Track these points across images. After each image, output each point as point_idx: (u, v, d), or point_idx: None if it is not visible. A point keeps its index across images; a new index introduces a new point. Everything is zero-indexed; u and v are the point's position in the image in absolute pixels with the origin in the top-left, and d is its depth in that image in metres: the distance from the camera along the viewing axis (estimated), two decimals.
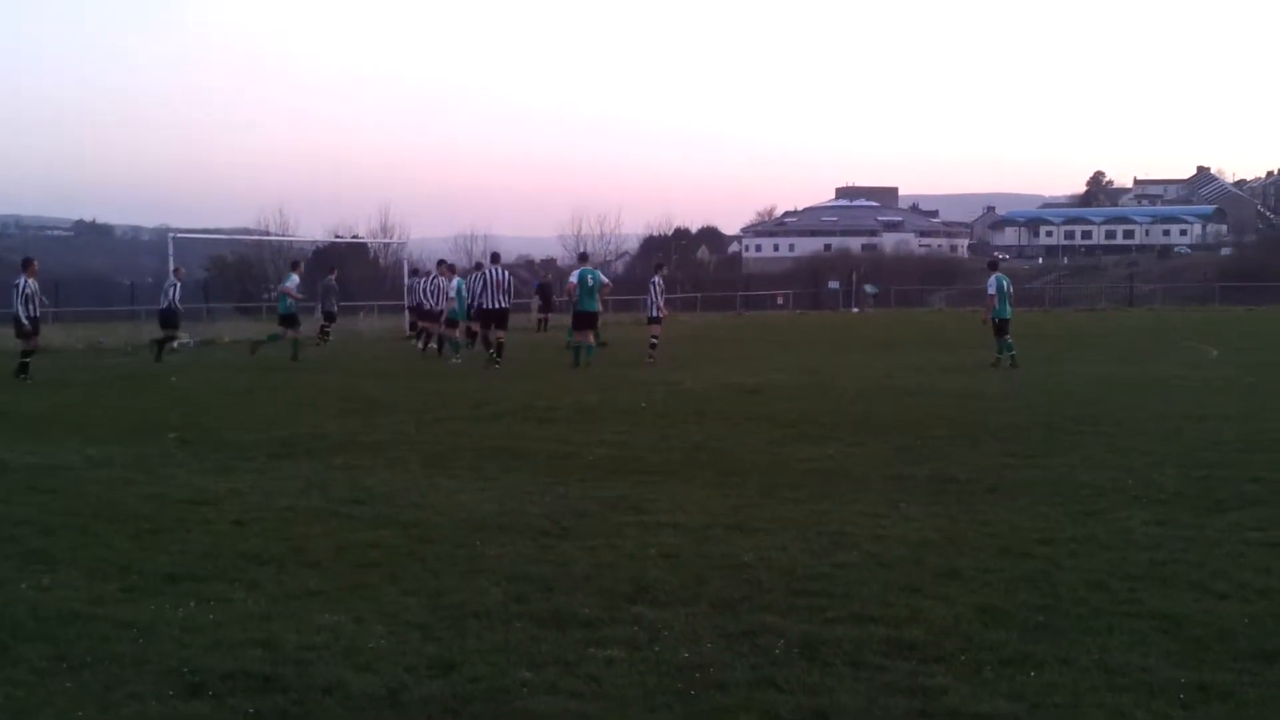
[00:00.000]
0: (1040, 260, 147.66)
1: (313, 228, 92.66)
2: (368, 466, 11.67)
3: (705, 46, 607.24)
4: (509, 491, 10.24)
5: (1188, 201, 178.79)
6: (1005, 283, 24.72)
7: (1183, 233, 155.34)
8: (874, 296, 69.69)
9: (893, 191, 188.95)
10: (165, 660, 5.81)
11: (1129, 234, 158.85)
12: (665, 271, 30.33)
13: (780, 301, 71.70)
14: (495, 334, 25.27)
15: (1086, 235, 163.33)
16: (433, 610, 6.62)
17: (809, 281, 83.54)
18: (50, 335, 28.90)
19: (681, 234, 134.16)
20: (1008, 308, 24.48)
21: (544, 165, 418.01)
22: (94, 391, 20.33)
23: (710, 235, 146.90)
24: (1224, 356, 27.21)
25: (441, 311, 28.39)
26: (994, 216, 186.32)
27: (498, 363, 24.52)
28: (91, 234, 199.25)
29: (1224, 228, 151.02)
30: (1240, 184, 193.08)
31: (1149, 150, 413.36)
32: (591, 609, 6.59)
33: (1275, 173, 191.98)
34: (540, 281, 46.87)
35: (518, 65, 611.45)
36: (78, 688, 5.49)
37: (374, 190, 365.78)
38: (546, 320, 41.31)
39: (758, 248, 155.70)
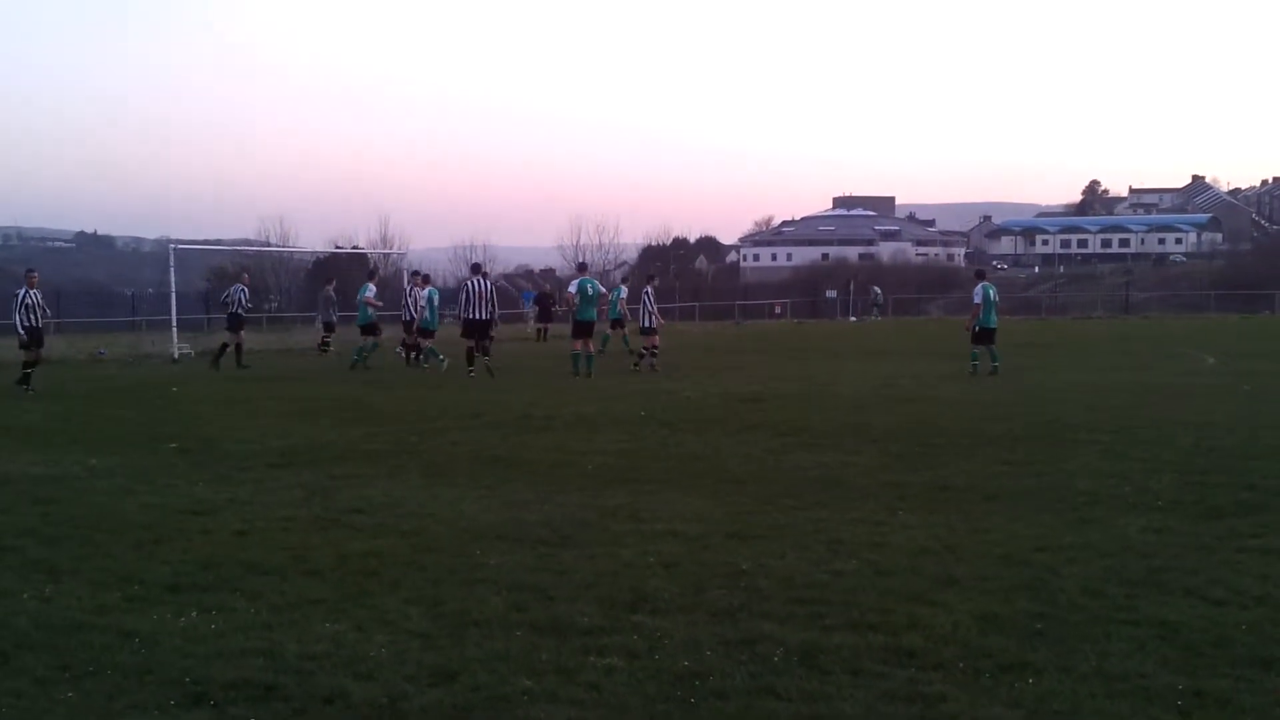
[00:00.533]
0: (1036, 269, 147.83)
1: (313, 239, 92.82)
2: (368, 476, 11.69)
3: (703, 57, 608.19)
4: (509, 500, 10.27)
5: (1183, 210, 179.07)
6: (991, 291, 24.82)
7: (1178, 241, 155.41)
8: (878, 307, 68.39)
9: (889, 201, 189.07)
10: (167, 669, 5.83)
11: (1124, 242, 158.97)
12: (657, 282, 30.36)
13: (778, 311, 71.58)
14: (484, 344, 25.33)
15: (1082, 244, 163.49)
16: (433, 619, 6.65)
17: (807, 291, 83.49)
18: (52, 346, 28.92)
19: (680, 243, 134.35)
20: (993, 317, 24.55)
21: (543, 176, 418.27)
22: (95, 402, 20.34)
23: (708, 245, 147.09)
24: (1220, 364, 27.24)
25: (413, 321, 28.59)
26: (990, 225, 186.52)
27: (487, 371, 24.71)
28: (93, 245, 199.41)
29: (1219, 236, 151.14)
30: (1235, 193, 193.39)
31: (1144, 159, 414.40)
32: (591, 617, 6.62)
33: (1270, 181, 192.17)
34: (539, 292, 46.94)
35: (517, 76, 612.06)
36: (80, 697, 5.51)
37: (374, 201, 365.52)
38: (546, 330, 41.31)
39: (755, 257, 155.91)
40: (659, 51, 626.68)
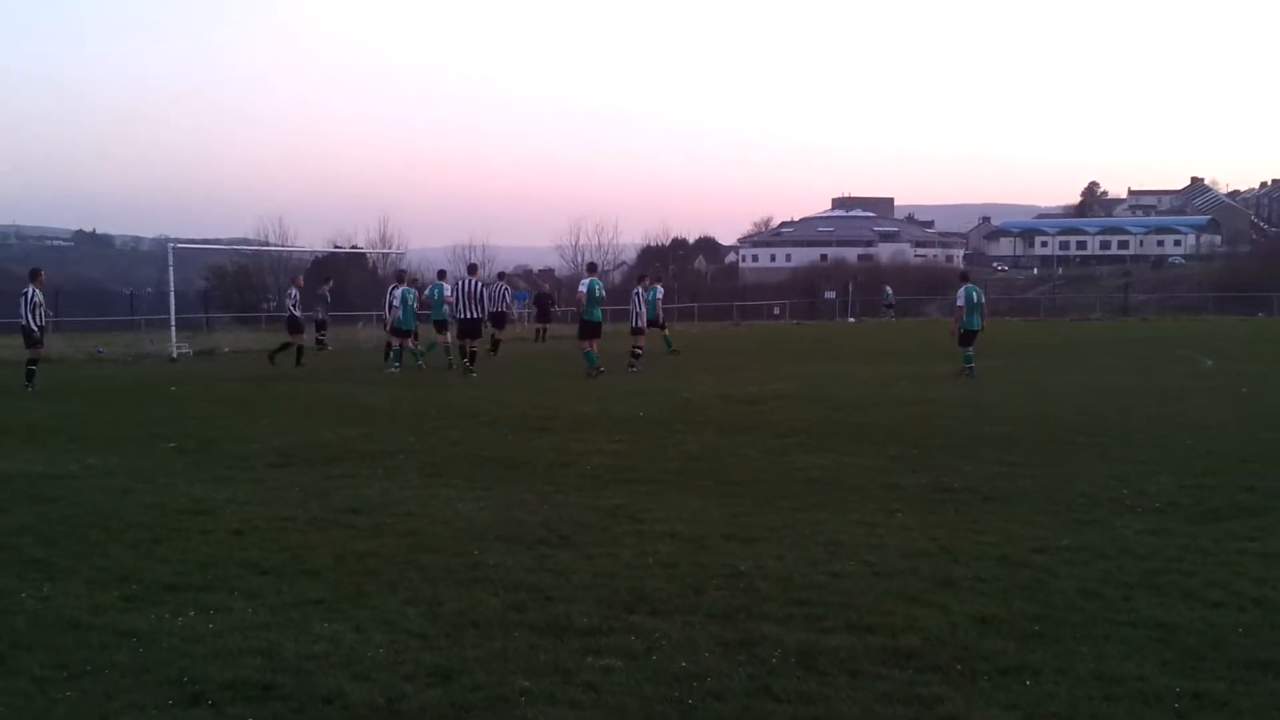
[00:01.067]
0: (1035, 270, 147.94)
1: (312, 238, 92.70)
2: (366, 476, 11.70)
3: (702, 58, 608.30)
4: (507, 501, 10.27)
5: (1182, 212, 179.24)
6: (975, 294, 24.91)
7: (1177, 243, 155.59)
8: (890, 307, 66.72)
9: (888, 202, 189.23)
10: (165, 669, 5.83)
11: (1123, 244, 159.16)
12: (647, 281, 30.66)
13: (777, 312, 71.57)
14: (469, 344, 25.83)
15: (1081, 245, 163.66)
16: (431, 619, 6.65)
17: (805, 292, 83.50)
18: (50, 345, 28.92)
19: (679, 244, 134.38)
20: (976, 319, 24.62)
21: (541, 176, 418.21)
22: (93, 401, 20.34)
23: (707, 245, 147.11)
24: (1218, 366, 27.26)
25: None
26: (989, 227, 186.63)
27: (472, 372, 25.14)
28: (91, 244, 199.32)
29: (1218, 238, 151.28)
30: (1234, 195, 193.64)
31: (1143, 161, 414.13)
32: (590, 618, 6.62)
33: (1269, 183, 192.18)
34: (538, 292, 46.87)
35: (516, 76, 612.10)
36: (78, 696, 5.52)
37: (373, 201, 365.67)
38: (544, 330, 41.31)
39: (754, 258, 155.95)
40: (658, 53, 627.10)
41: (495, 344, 31.82)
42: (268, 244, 74.98)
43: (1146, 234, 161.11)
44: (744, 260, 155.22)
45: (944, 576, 7.49)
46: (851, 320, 66.25)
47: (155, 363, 31.48)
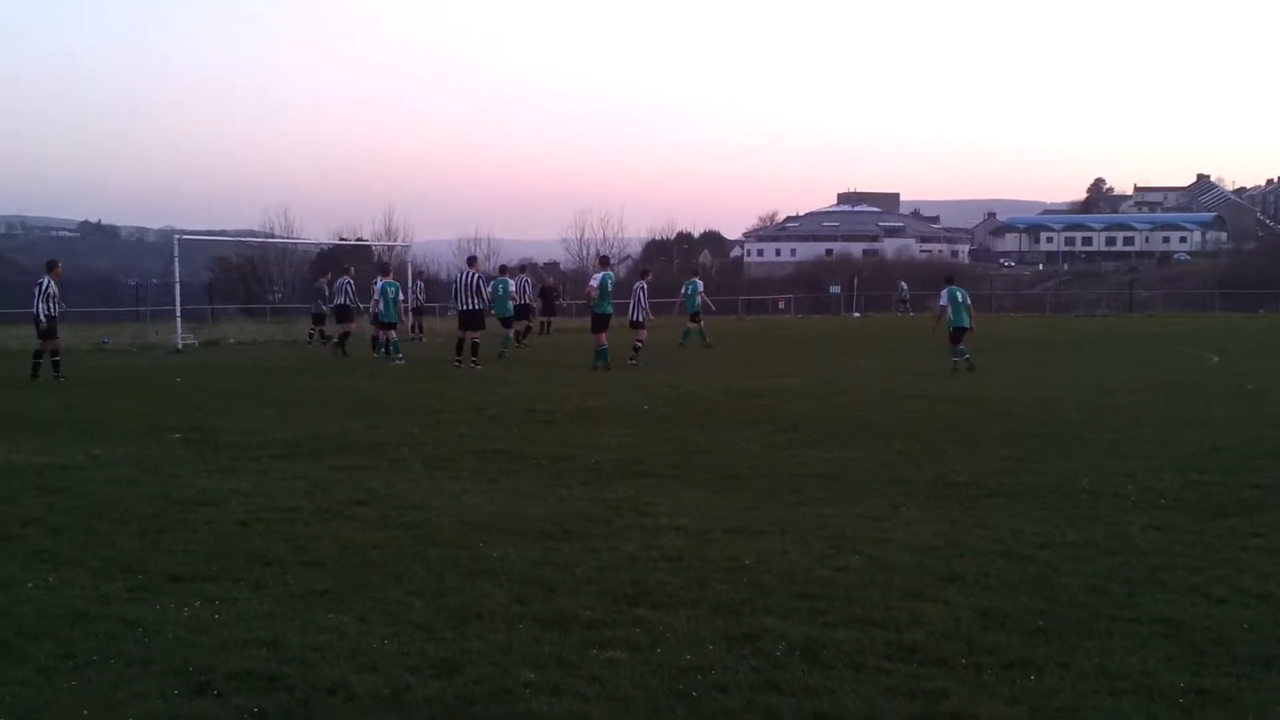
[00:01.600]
0: (1040, 266, 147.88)
1: (317, 230, 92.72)
2: (371, 468, 11.71)
3: (707, 52, 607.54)
4: (511, 493, 10.28)
5: (1188, 209, 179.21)
6: (959, 294, 25.41)
7: (1182, 240, 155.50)
8: (905, 303, 65.98)
9: (894, 197, 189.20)
10: (171, 659, 5.84)
11: (1129, 240, 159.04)
12: (650, 278, 30.88)
13: (782, 306, 71.61)
14: (470, 336, 25.90)
15: (1087, 242, 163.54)
16: (436, 611, 6.66)
17: (811, 286, 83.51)
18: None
19: (684, 238, 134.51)
20: (964, 317, 25.06)
21: (547, 169, 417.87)
22: (99, 392, 20.36)
23: (713, 239, 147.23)
24: (1223, 363, 27.24)
25: (353, 311, 31.24)
26: (995, 222, 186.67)
27: (467, 362, 25.29)
28: (97, 235, 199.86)
29: (1224, 235, 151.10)
30: (1240, 191, 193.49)
31: (1149, 157, 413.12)
32: (594, 611, 6.63)
33: (1275, 180, 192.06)
34: (542, 285, 46.79)
35: (522, 68, 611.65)
36: (84, 686, 5.53)
37: (379, 193, 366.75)
38: (549, 324, 41.28)
39: (760, 252, 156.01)
40: (664, 46, 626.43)
41: (520, 335, 32.82)
42: (273, 236, 75.10)
43: (1152, 230, 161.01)
44: (749, 254, 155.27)
45: (949, 571, 7.49)
46: (856, 315, 66.20)
47: (160, 354, 31.53)
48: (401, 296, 28.78)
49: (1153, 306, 74.14)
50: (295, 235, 76.27)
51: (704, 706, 5.28)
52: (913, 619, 6.44)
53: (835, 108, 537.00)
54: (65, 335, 25.62)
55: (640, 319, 27.19)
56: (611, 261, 34.33)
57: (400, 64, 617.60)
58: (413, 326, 37.04)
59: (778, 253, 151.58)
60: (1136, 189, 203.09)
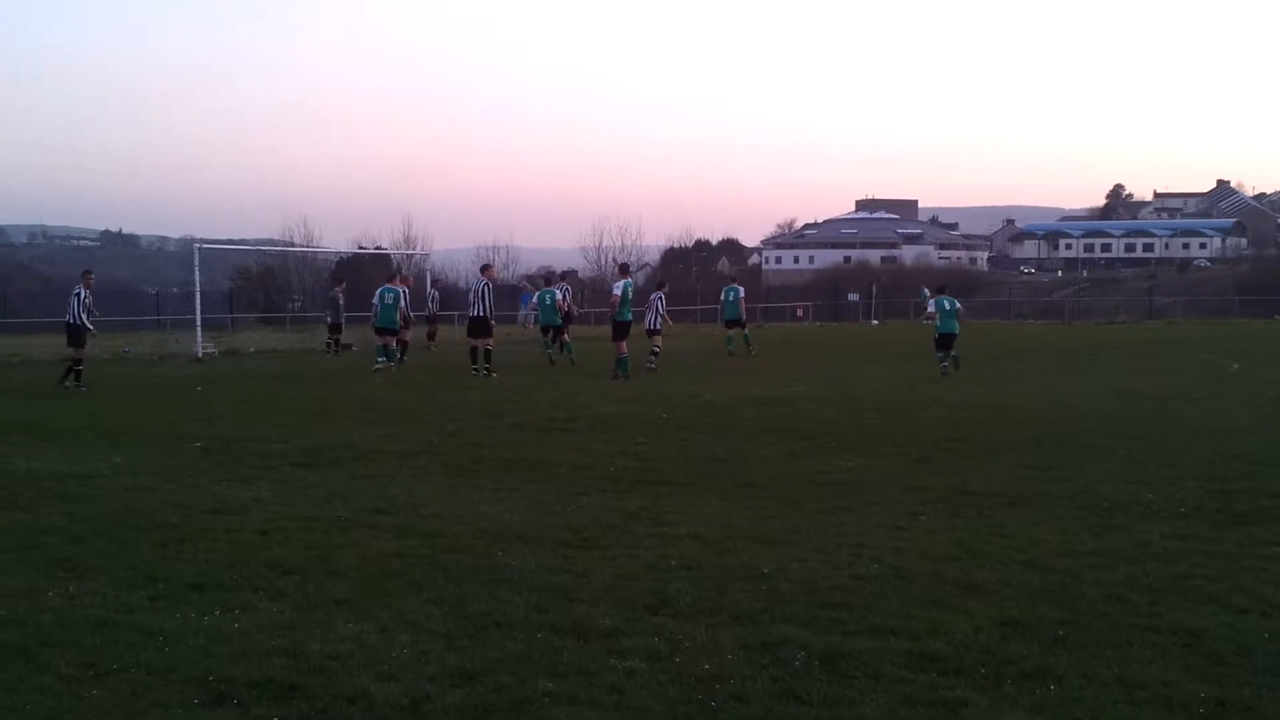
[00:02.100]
0: (1059, 273, 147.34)
1: (337, 240, 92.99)
2: (390, 476, 11.74)
3: (725, 59, 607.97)
4: (530, 502, 10.29)
5: (1207, 215, 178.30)
6: (948, 303, 26.30)
7: (1202, 246, 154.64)
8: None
9: (912, 204, 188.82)
10: (192, 668, 5.86)
11: (1148, 247, 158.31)
12: (667, 288, 31.21)
13: (800, 314, 71.49)
14: (482, 343, 26.01)
15: (1106, 248, 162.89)
16: (455, 620, 6.67)
17: (829, 294, 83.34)
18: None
19: (702, 245, 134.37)
20: (953, 324, 25.87)
21: (565, 177, 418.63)
22: (120, 401, 20.46)
23: (730, 247, 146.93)
24: (1244, 370, 27.12)
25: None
26: (1013, 229, 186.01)
27: (482, 370, 25.46)
28: (118, 244, 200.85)
29: (1243, 241, 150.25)
30: (1260, 198, 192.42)
31: (1169, 164, 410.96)
32: (613, 619, 6.63)
33: None
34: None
35: (539, 77, 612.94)
36: (105, 695, 5.55)
37: (397, 202, 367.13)
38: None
39: (778, 260, 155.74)
40: (682, 54, 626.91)
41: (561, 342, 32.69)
42: (293, 245, 75.29)
43: (1172, 237, 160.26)
44: (767, 262, 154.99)
45: (968, 580, 7.47)
46: (875, 323, 66.11)
47: (181, 363, 31.67)
48: (403, 303, 28.58)
49: (1172, 313, 73.82)
50: (315, 244, 76.47)
51: (723, 716, 5.28)
52: (932, 628, 6.43)
53: (853, 115, 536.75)
54: (87, 344, 25.75)
55: (657, 326, 27.53)
56: (630, 269, 34.31)
57: (419, 73, 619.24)
58: (429, 335, 37.07)
59: (796, 260, 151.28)
60: (1156, 195, 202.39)
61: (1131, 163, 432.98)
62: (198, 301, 35.36)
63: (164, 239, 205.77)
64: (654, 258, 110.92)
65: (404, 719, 5.28)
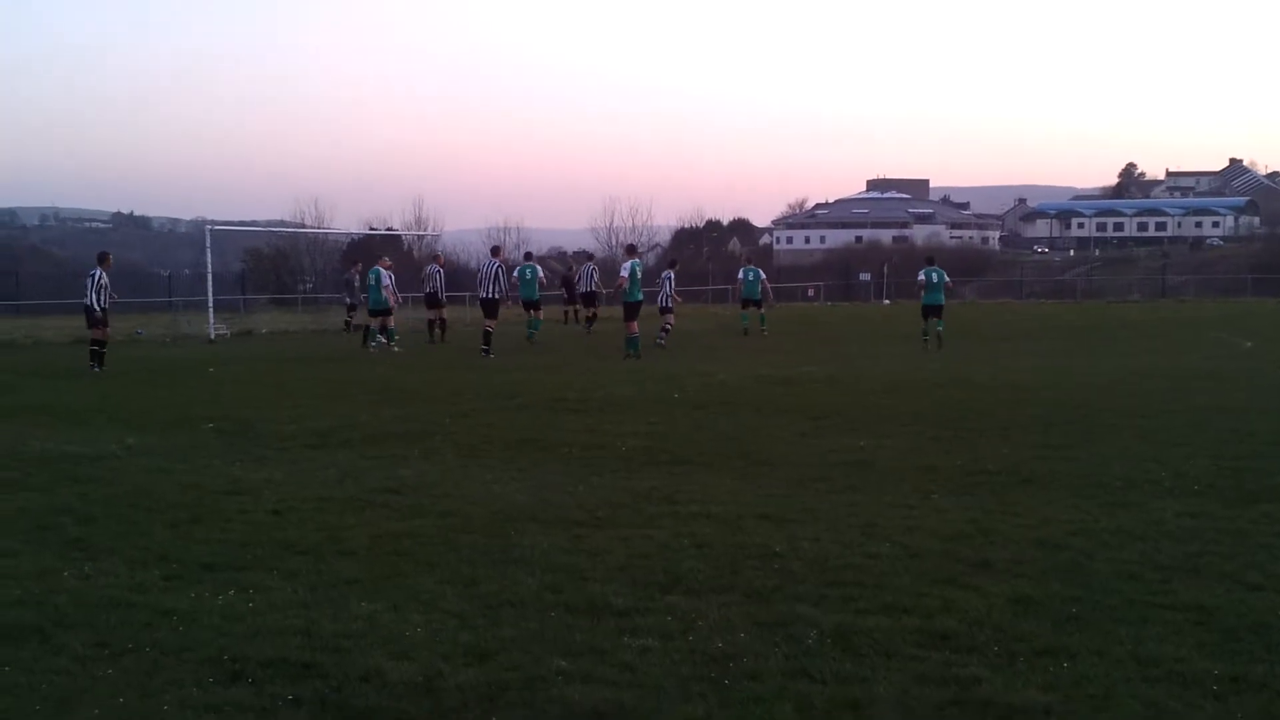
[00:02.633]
0: (1072, 252, 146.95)
1: (348, 221, 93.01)
2: (402, 457, 11.76)
3: (737, 40, 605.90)
4: (542, 482, 10.30)
5: (1220, 194, 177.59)
6: (934, 274, 27.49)
7: (1215, 225, 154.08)
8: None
9: (924, 183, 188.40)
10: (206, 647, 5.88)
11: (1161, 226, 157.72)
12: (678, 267, 31.71)
13: (811, 294, 71.47)
14: (486, 324, 26.41)
15: (1118, 227, 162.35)
16: (468, 599, 6.69)
17: (840, 274, 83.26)
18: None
19: (713, 226, 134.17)
20: (938, 296, 27.29)
21: (576, 158, 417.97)
22: (132, 382, 20.50)
23: (741, 227, 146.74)
24: (1256, 348, 27.04)
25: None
26: (1025, 208, 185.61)
27: (488, 353, 25.54)
28: (129, 226, 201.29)
29: (1256, 220, 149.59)
30: (1273, 176, 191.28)
31: (1181, 142, 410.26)
32: (625, 598, 6.64)
33: None
34: (563, 274, 46.75)
35: (550, 58, 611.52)
36: (119, 674, 5.57)
37: (409, 183, 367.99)
38: (571, 313, 41.22)
39: (789, 240, 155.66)
40: (693, 34, 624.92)
41: (590, 320, 34.62)
42: (304, 226, 75.42)
43: (1184, 215, 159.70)
44: (778, 242, 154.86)
45: (980, 559, 7.47)
46: (886, 302, 65.99)
47: (193, 344, 31.76)
48: (388, 282, 28.64)
49: (1185, 292, 73.60)
50: (326, 225, 76.61)
51: (735, 694, 5.28)
52: (944, 606, 6.43)
53: (865, 95, 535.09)
54: (108, 325, 25.82)
55: (669, 304, 28.20)
56: (639, 249, 34.47)
57: (430, 55, 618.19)
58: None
59: (807, 240, 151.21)
60: (1168, 174, 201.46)
61: (1144, 141, 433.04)
62: (209, 283, 35.46)
63: (175, 221, 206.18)
64: (665, 238, 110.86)
65: (418, 697, 5.29)
